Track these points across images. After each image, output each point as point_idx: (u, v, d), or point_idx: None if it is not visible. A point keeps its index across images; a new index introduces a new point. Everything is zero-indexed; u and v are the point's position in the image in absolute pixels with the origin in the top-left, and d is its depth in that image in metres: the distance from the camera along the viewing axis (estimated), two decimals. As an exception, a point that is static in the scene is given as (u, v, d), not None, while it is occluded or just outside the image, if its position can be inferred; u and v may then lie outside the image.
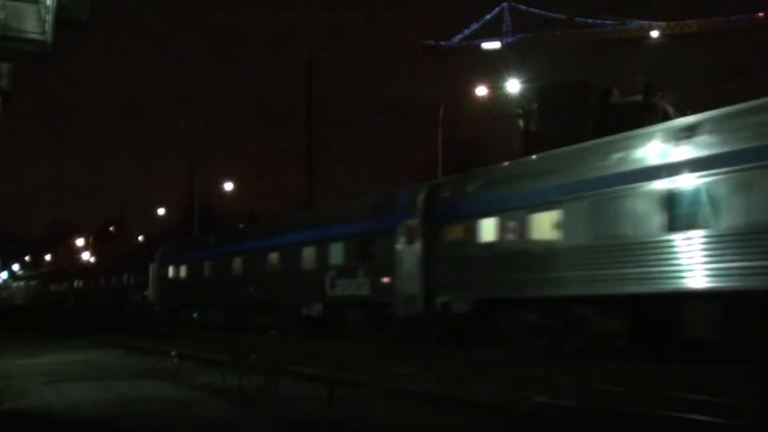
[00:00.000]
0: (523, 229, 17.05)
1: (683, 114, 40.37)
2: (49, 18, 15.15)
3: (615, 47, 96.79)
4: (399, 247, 20.45)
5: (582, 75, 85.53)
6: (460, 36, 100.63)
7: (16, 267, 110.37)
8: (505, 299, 17.16)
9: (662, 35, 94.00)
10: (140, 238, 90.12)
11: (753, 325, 12.51)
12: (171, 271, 37.08)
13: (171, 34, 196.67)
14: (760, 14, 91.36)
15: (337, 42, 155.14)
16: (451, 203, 19.45)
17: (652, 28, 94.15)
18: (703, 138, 13.66)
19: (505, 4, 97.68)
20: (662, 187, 13.90)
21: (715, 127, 13.79)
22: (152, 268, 38.53)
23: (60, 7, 15.43)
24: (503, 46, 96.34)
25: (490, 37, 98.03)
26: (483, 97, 42.08)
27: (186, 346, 20.39)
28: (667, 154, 14.13)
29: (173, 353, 18.61)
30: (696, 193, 13.42)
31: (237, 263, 30.48)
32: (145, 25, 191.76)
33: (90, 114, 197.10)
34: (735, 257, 12.65)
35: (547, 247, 16.34)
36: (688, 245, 13.35)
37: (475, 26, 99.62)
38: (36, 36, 15.12)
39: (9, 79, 18.39)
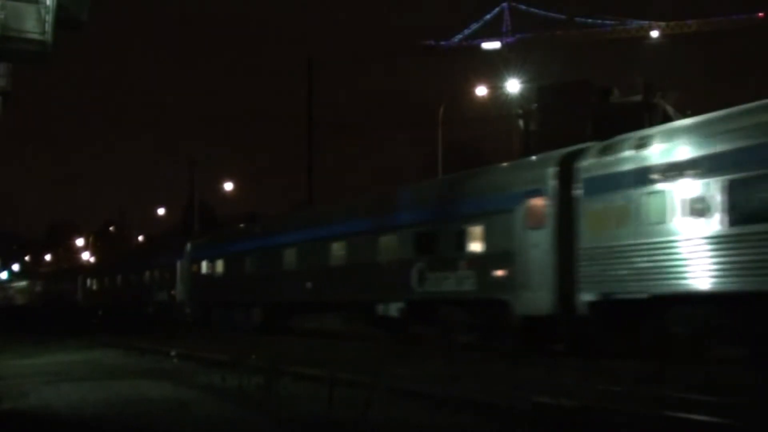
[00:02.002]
0: (214, 268, 33.94)
1: (684, 114, 40.30)
2: (49, 18, 15.16)
3: (615, 47, 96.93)
4: (179, 273, 37.15)
5: (582, 75, 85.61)
6: (460, 36, 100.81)
7: (16, 267, 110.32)
8: (214, 303, 33.59)
9: (662, 35, 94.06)
10: (140, 238, 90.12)
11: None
12: (88, 282, 56.43)
13: (171, 33, 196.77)
14: (760, 14, 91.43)
15: (337, 42, 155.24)
16: (197, 250, 36.15)
17: (652, 28, 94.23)
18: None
19: (505, 4, 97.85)
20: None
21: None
22: (79, 279, 58.11)
23: (60, 7, 15.43)
24: (503, 46, 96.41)
25: (490, 37, 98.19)
26: (483, 97, 42.11)
27: (186, 346, 20.37)
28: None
29: (173, 353, 18.59)
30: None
31: (116, 280, 49.78)
32: (145, 25, 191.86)
33: (89, 114, 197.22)
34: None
35: (225, 278, 32.84)
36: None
37: (475, 26, 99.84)
38: (36, 36, 15.13)
39: (9, 79, 18.40)
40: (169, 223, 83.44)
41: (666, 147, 14.64)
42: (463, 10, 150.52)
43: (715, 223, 13.35)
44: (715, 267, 13.36)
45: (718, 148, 13.52)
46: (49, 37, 15.16)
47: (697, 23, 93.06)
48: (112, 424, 9.89)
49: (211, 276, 33.97)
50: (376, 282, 21.74)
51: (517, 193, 17.54)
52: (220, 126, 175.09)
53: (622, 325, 15.32)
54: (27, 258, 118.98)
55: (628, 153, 15.44)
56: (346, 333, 23.69)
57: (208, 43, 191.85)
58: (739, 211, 13.04)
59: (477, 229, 18.75)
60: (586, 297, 15.60)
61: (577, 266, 15.80)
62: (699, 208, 13.61)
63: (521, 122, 57.05)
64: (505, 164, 21.49)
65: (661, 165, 14.52)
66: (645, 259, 14.60)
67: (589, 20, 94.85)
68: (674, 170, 14.23)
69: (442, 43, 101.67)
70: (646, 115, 52.67)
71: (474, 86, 41.38)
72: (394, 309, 20.94)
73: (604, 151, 16.19)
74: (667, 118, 43.44)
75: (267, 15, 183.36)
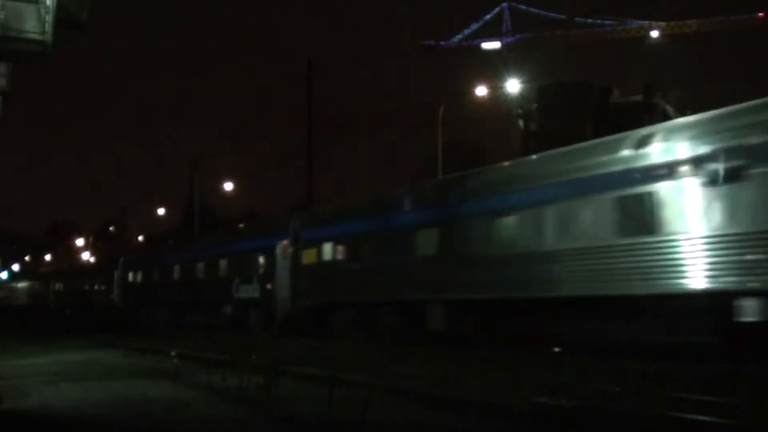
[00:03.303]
0: (136, 278, 44.95)
1: (683, 114, 40.24)
2: (49, 18, 15.14)
3: (615, 47, 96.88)
4: (115, 281, 47.58)
5: (582, 75, 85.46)
6: (460, 36, 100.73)
7: (16, 267, 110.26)
8: (138, 303, 43.72)
9: (662, 35, 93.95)
10: (140, 238, 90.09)
11: None
12: (57, 286, 66.52)
13: (171, 33, 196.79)
14: (760, 14, 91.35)
15: (336, 42, 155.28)
16: (126, 264, 46.97)
17: (652, 28, 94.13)
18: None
19: (504, 4, 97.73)
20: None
21: None
22: (50, 283, 67.86)
23: (60, 7, 15.41)
24: (503, 46, 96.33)
25: (490, 37, 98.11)
26: (483, 97, 42.08)
27: (186, 346, 20.36)
28: None
29: (173, 353, 18.57)
30: None
31: (75, 285, 59.87)
32: (145, 25, 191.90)
33: (90, 114, 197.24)
34: None
35: (143, 285, 43.95)
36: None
37: (475, 26, 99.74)
38: (36, 36, 15.11)
39: (9, 79, 18.37)
40: (169, 223, 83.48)
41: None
42: (463, 10, 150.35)
43: (349, 262, 23.49)
44: (349, 286, 22.95)
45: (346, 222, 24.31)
46: (49, 37, 15.15)
47: (697, 23, 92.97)
48: (112, 424, 9.89)
49: (134, 283, 45.62)
50: (219, 291, 31.94)
51: (277, 236, 27.52)
52: (220, 125, 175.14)
53: (324, 318, 24.45)
54: (27, 258, 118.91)
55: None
56: (209, 324, 32.55)
57: (208, 42, 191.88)
58: (355, 253, 23.30)
59: (261, 258, 28.79)
60: (304, 303, 25.35)
61: (300, 284, 25.63)
62: (341, 253, 24.11)
63: (521, 122, 57.03)
64: (277, 218, 34.59)
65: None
66: (325, 280, 24.36)
67: (589, 20, 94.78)
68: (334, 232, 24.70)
69: (442, 43, 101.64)
70: (646, 115, 52.61)
71: (474, 86, 41.38)
72: (228, 309, 31.48)
73: (314, 213, 29.11)
74: (667, 118, 43.36)
75: (267, 15, 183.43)
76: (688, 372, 11.65)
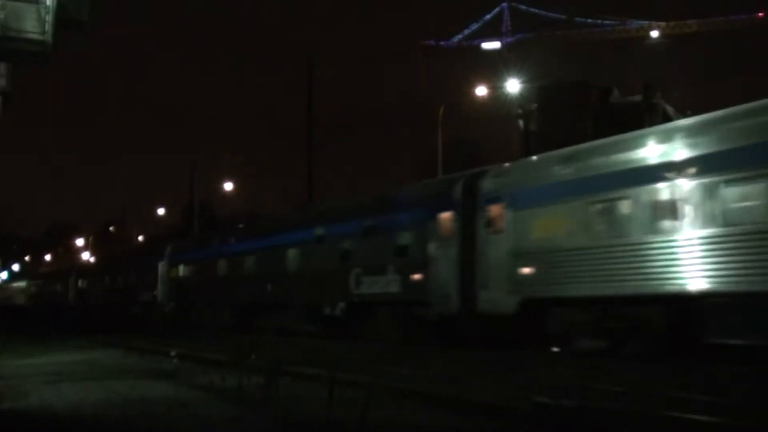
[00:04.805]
0: (87, 283, 58.09)
1: (684, 114, 40.22)
2: (49, 18, 15.14)
3: (615, 47, 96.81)
4: (70, 286, 60.08)
5: (582, 75, 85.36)
6: (460, 36, 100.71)
7: (16, 267, 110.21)
8: (86, 302, 55.71)
9: (662, 35, 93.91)
10: (140, 238, 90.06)
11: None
12: (31, 289, 77.40)
13: (171, 34, 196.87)
14: (760, 14, 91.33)
15: (337, 42, 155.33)
16: (77, 273, 61.66)
17: (652, 28, 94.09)
18: None
19: (505, 4, 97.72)
20: None
21: None
22: (29, 287, 79.71)
23: (60, 7, 15.41)
24: (503, 46, 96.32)
25: (490, 37, 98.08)
26: (483, 97, 42.05)
27: (186, 346, 20.37)
28: None
29: (173, 353, 18.56)
30: None
31: (46, 287, 71.30)
32: (145, 25, 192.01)
33: (90, 114, 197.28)
34: None
35: (89, 288, 56.52)
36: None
37: (475, 26, 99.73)
38: (36, 36, 15.11)
39: (9, 79, 18.38)
40: (169, 223, 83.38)
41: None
42: (463, 10, 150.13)
43: (192, 278, 36.77)
44: (194, 294, 35.83)
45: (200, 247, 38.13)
46: (49, 37, 15.15)
47: (697, 23, 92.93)
48: (112, 424, 9.89)
49: (82, 288, 57.82)
50: (131, 294, 43.65)
51: (160, 257, 39.53)
52: (221, 125, 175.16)
53: (187, 314, 35.85)
54: (27, 258, 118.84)
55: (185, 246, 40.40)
56: (127, 318, 41.29)
57: (208, 43, 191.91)
58: (194, 272, 36.72)
59: (151, 272, 40.27)
60: (173, 304, 37.65)
61: (170, 292, 38.37)
62: (188, 272, 37.14)
63: (521, 122, 56.93)
64: (161, 243, 45.17)
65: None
66: (182, 290, 36.56)
67: (589, 20, 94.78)
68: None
69: (442, 43, 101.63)
70: (646, 115, 52.56)
71: (474, 86, 41.36)
72: (137, 308, 41.90)
73: (178, 242, 42.20)
74: (667, 118, 43.40)
75: (268, 15, 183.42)
76: (688, 372, 11.65)
